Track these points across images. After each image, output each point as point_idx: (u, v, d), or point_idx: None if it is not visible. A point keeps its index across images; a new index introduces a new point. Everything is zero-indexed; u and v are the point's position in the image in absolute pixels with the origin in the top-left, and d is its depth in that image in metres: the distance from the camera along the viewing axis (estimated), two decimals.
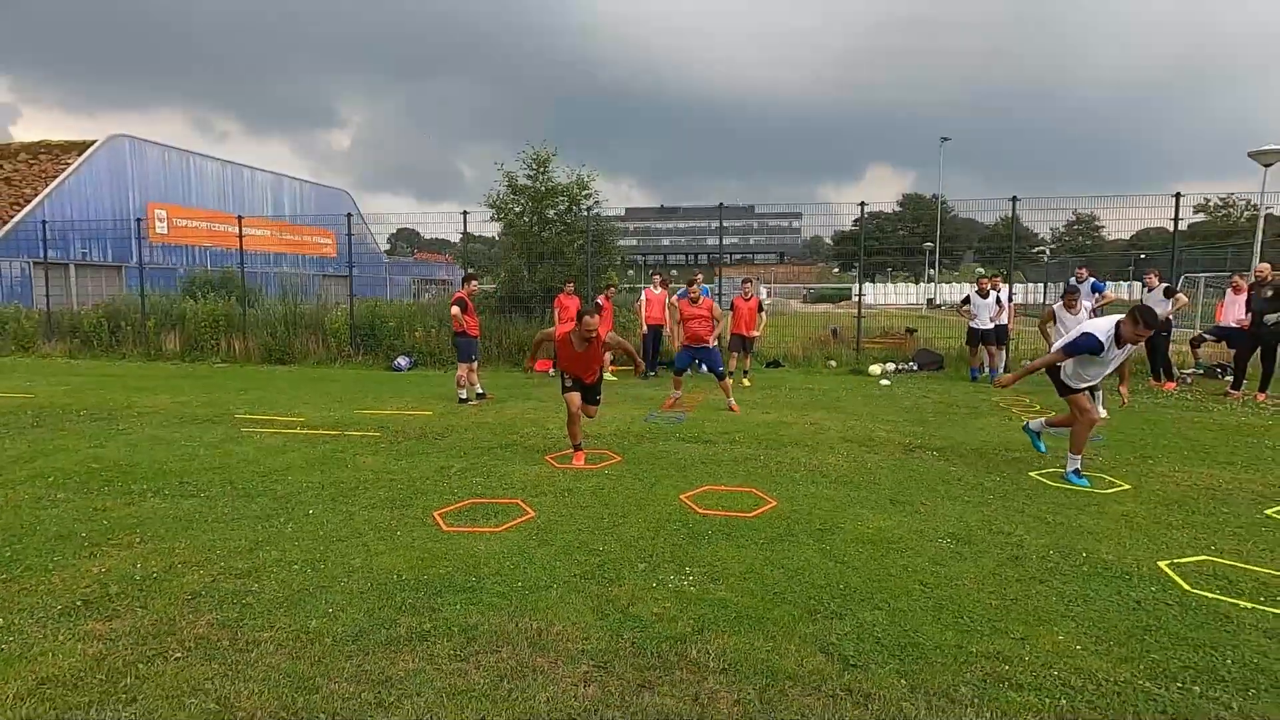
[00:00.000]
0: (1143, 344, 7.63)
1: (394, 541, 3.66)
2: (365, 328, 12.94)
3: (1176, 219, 10.64)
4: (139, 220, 14.36)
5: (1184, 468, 5.25)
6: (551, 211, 14.77)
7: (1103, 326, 4.59)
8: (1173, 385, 9.21)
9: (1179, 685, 2.35)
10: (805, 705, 2.25)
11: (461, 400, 8.17)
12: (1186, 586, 3.13)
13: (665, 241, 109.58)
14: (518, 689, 2.32)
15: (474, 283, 8.37)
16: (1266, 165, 11.38)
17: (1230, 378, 9.04)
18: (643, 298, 10.99)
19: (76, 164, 24.83)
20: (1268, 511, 4.19)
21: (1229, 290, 9.44)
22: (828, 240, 75.27)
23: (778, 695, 2.31)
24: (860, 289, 12.76)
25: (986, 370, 10.12)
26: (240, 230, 14.30)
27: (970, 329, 10.20)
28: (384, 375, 11.33)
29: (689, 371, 8.87)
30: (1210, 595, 3.04)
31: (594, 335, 5.29)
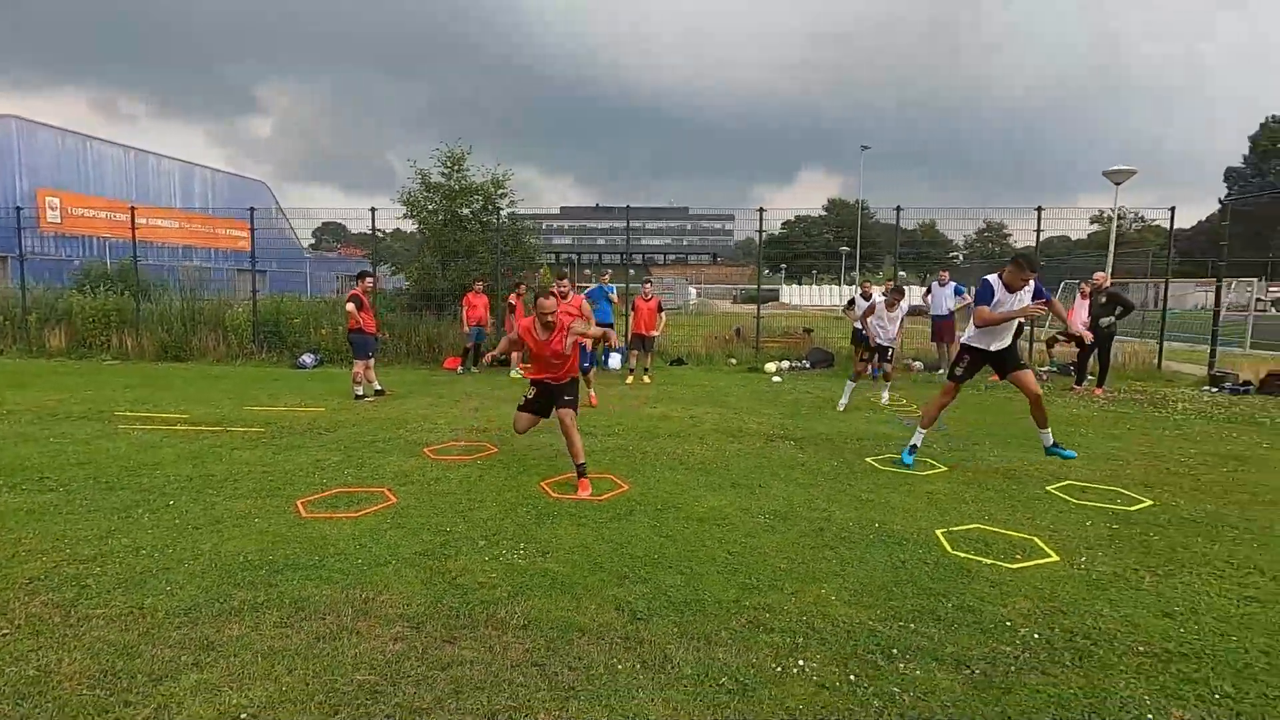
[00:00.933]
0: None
1: (248, 528, 3.84)
2: (269, 324, 12.71)
3: (1039, 230, 11.68)
4: (20, 209, 13.47)
5: (1002, 453, 5.94)
6: (467, 210, 14.87)
7: (992, 275, 5.22)
8: (1100, 390, 9.48)
9: (900, 624, 2.84)
10: (586, 651, 2.61)
11: (358, 397, 8.24)
12: (949, 548, 3.67)
13: (601, 241, 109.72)
14: (330, 648, 2.59)
15: (369, 280, 8.44)
16: (1118, 183, 12.62)
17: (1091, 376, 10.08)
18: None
19: None
20: (1049, 488, 4.84)
21: (1078, 295, 10.49)
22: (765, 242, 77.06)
23: (564, 644, 2.66)
24: (759, 291, 13.39)
25: (871, 369, 10.87)
26: (133, 220, 13.72)
27: (855, 330, 10.94)
28: (287, 373, 11.19)
29: (594, 368, 9.20)
30: (963, 555, 3.58)
31: (552, 317, 4.84)
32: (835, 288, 53.91)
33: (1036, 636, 2.74)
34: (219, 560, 3.38)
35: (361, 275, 8.46)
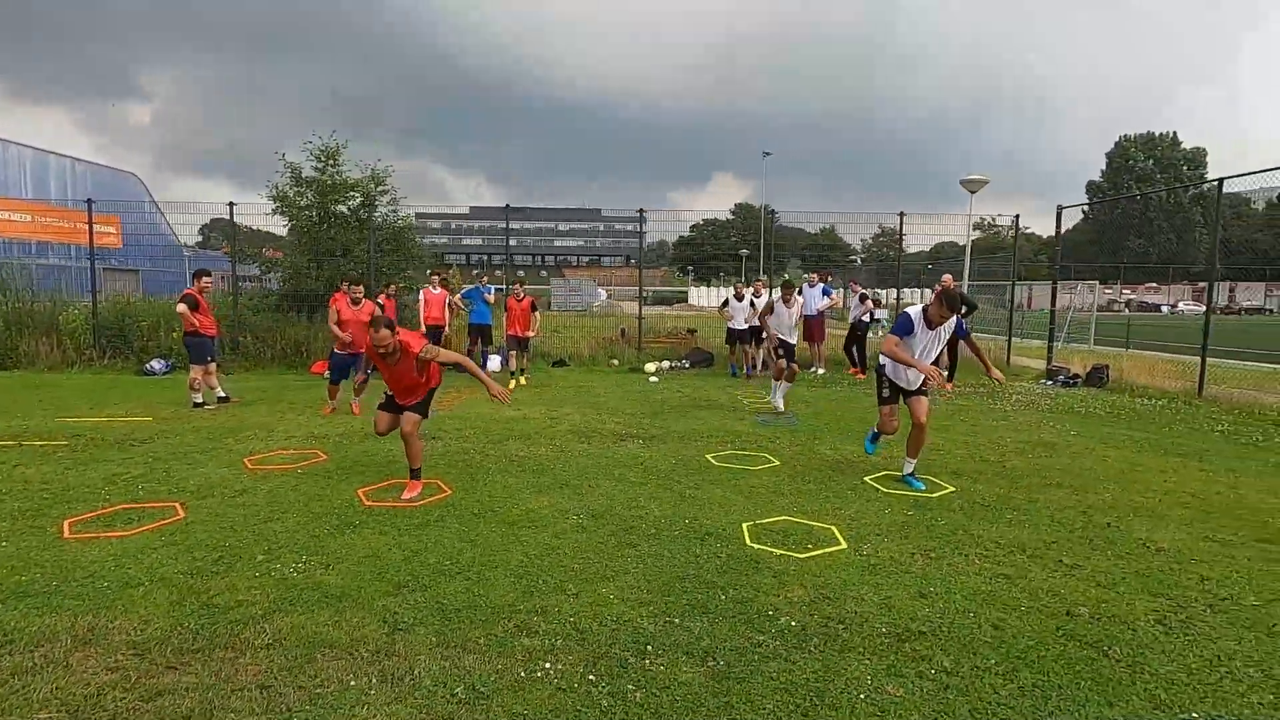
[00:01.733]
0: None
1: None
2: (113, 328, 11.64)
3: (901, 233, 12.34)
4: None
5: (838, 445, 6.18)
6: (345, 207, 14.20)
7: (915, 309, 4.85)
8: (950, 385, 9.89)
9: (668, 619, 2.85)
10: (325, 668, 2.46)
11: (196, 405, 7.65)
12: (748, 541, 3.74)
13: (512, 241, 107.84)
14: (23, 684, 2.32)
15: (206, 279, 7.86)
16: (972, 192, 13.52)
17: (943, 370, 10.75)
18: (421, 297, 10.87)
19: None
20: (866, 478, 5.07)
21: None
22: (673, 244, 78.40)
23: (305, 663, 2.49)
24: (640, 292, 13.48)
25: (744, 368, 11.16)
26: None
27: (729, 329, 11.20)
28: (129, 380, 10.28)
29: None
30: (759, 547, 3.67)
31: (389, 349, 4.35)
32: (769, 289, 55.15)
33: (794, 624, 2.82)
34: None
35: (198, 274, 7.86)
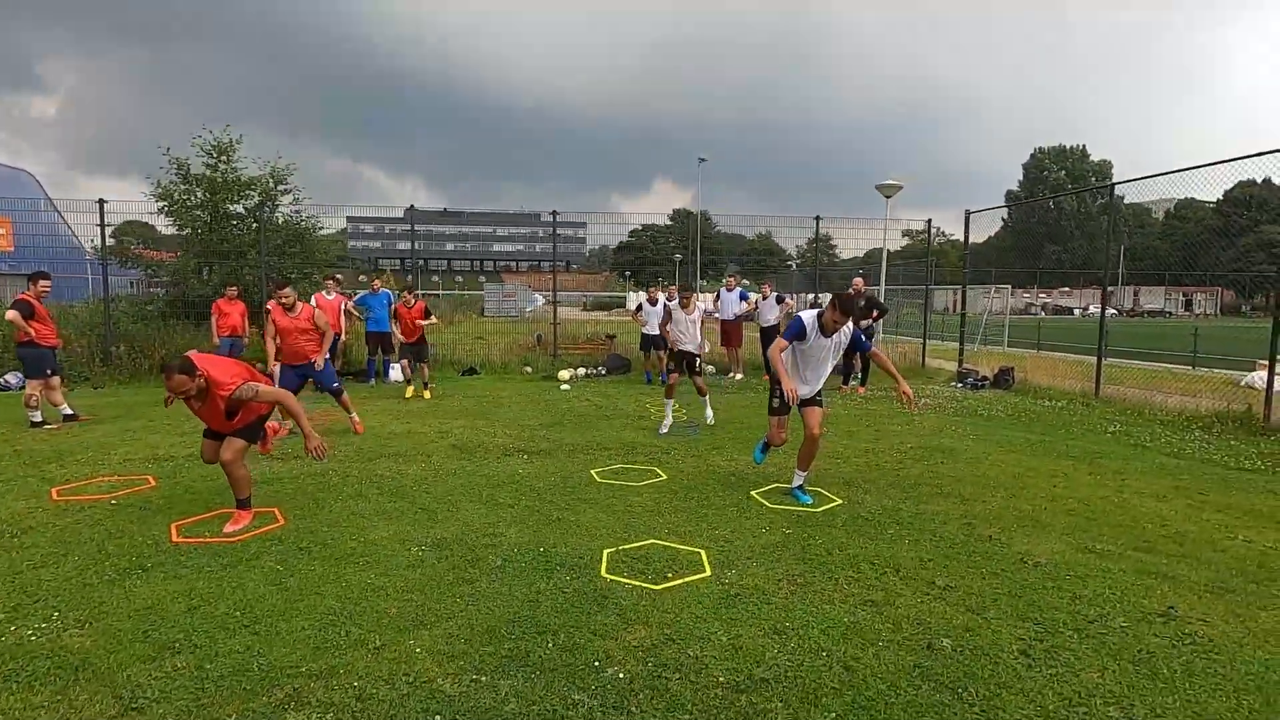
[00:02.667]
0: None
1: None
2: None
3: (816, 238, 12.31)
4: None
5: (736, 457, 5.88)
6: (240, 206, 13.24)
7: (809, 314, 4.61)
8: (863, 389, 10.00)
9: (474, 678, 2.42)
10: None
11: (34, 424, 6.79)
12: (603, 572, 3.36)
13: (450, 246, 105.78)
14: None
15: (44, 282, 7.00)
16: (888, 196, 13.64)
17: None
18: (313, 303, 10.12)
19: None
20: (753, 492, 4.77)
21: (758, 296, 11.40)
22: (612, 249, 78.16)
23: None
24: (555, 296, 13.05)
25: (660, 374, 10.84)
26: None
27: (643, 335, 10.88)
28: None
29: (344, 392, 8.30)
30: (613, 578, 3.28)
31: (188, 393, 3.80)
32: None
33: (622, 676, 2.44)
34: None
35: (35, 277, 6.99)
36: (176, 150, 12.62)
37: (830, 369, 4.75)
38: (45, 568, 3.34)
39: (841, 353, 4.71)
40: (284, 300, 6.64)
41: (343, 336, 10.11)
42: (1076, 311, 52.26)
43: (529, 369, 11.73)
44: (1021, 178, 67.37)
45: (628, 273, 63.79)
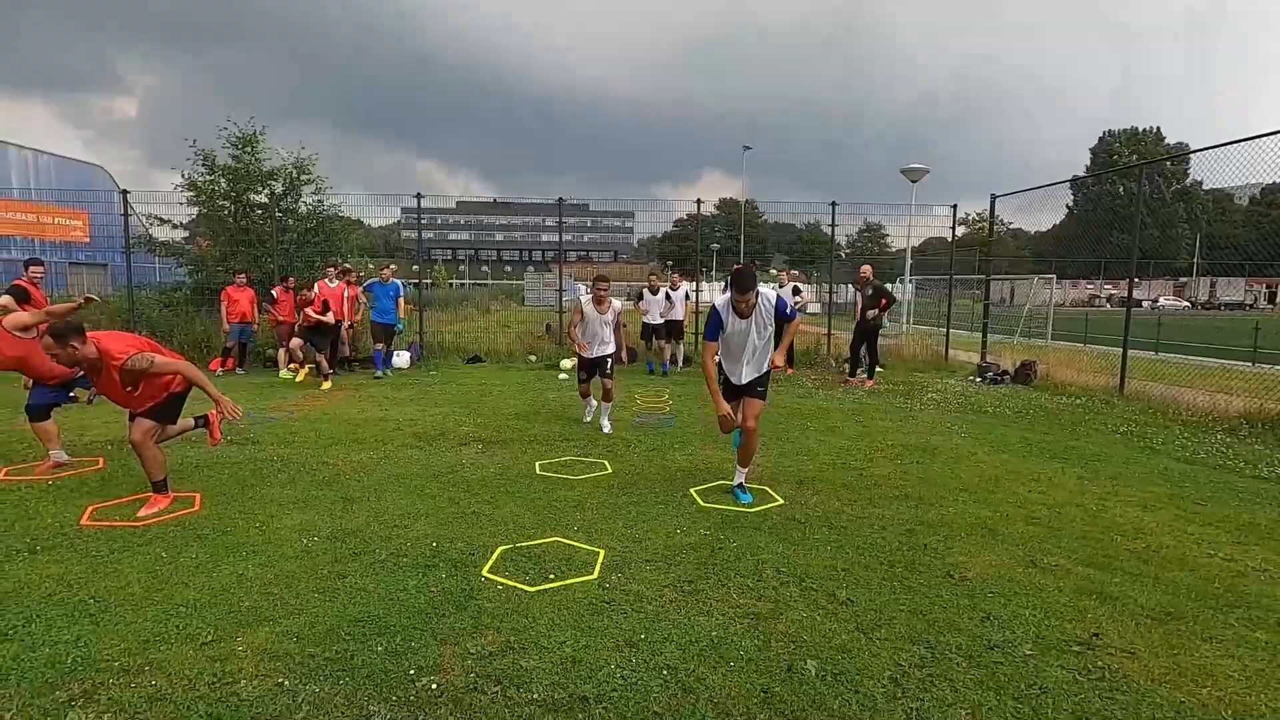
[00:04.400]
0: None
1: None
2: None
3: (834, 225, 11.80)
4: None
5: (698, 451, 5.62)
6: (263, 195, 13.57)
7: (721, 299, 4.41)
8: (871, 382, 9.38)
9: (285, 679, 2.28)
10: None
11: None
12: (485, 570, 3.19)
13: (499, 236, 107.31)
14: None
15: (36, 267, 7.21)
16: (913, 181, 12.98)
17: (879, 368, 10.33)
18: (316, 290, 10.26)
19: None
20: (692, 489, 4.51)
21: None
22: (659, 239, 77.87)
23: None
24: (560, 284, 12.91)
25: (661, 364, 10.60)
26: None
27: (644, 324, 10.63)
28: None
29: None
30: (492, 577, 3.11)
31: (75, 361, 3.83)
32: (720, 284, 54.79)
33: (434, 688, 2.26)
34: None
35: (28, 263, 7.23)
36: (209, 144, 13.01)
37: (771, 346, 4.36)
38: None
39: (771, 327, 4.28)
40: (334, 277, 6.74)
41: (347, 324, 10.21)
42: (1145, 304, 49.19)
43: (533, 358, 11.65)
44: (1089, 163, 63.72)
45: (670, 262, 63.31)
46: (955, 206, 11.71)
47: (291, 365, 10.47)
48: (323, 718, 2.11)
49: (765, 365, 4.36)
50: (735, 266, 4.35)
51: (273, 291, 10.57)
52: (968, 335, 14.35)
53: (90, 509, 3.95)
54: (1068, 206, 62.14)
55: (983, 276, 11.92)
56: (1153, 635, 2.67)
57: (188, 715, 2.11)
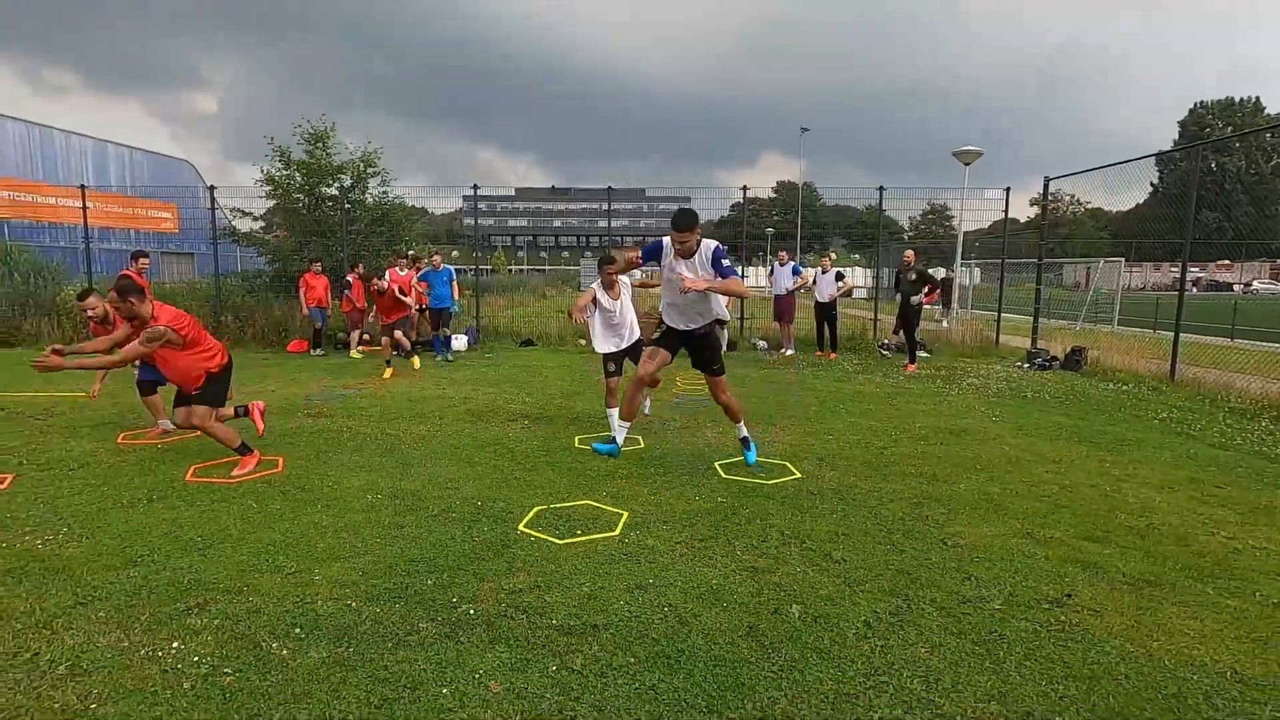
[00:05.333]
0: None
1: None
2: None
3: (880, 210, 11.76)
4: None
5: (726, 429, 5.92)
6: (334, 188, 14.48)
7: (667, 238, 4.48)
8: (913, 367, 9.54)
9: (353, 602, 2.78)
10: None
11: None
12: (521, 526, 3.63)
13: (557, 223, 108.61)
14: None
15: (143, 260, 8.12)
16: (966, 164, 12.76)
17: (925, 353, 10.49)
18: (389, 278, 10.94)
19: None
20: (716, 463, 4.85)
21: (775, 264, 11.11)
22: (714, 223, 77.61)
23: None
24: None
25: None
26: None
27: None
28: None
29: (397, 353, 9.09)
30: (527, 532, 3.55)
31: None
32: (765, 269, 54.24)
33: (471, 613, 2.71)
34: None
35: (136, 255, 8.14)
36: (284, 140, 13.97)
37: (710, 298, 4.50)
38: (79, 495, 4.06)
39: (710, 277, 4.31)
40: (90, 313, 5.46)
41: (417, 307, 10.84)
42: (1237, 288, 46.01)
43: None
44: (1177, 136, 59.70)
45: (725, 246, 62.93)
46: (1009, 189, 11.50)
47: (361, 347, 11.28)
48: (381, 629, 2.58)
49: (702, 318, 4.61)
50: (677, 210, 4.43)
51: (348, 279, 11.36)
52: (1029, 321, 14.05)
53: (192, 468, 4.61)
54: (1152, 184, 58.49)
55: (1036, 260, 11.67)
56: (1124, 599, 2.88)
57: (277, 624, 2.62)
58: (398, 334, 9.50)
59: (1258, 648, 2.50)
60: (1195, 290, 44.27)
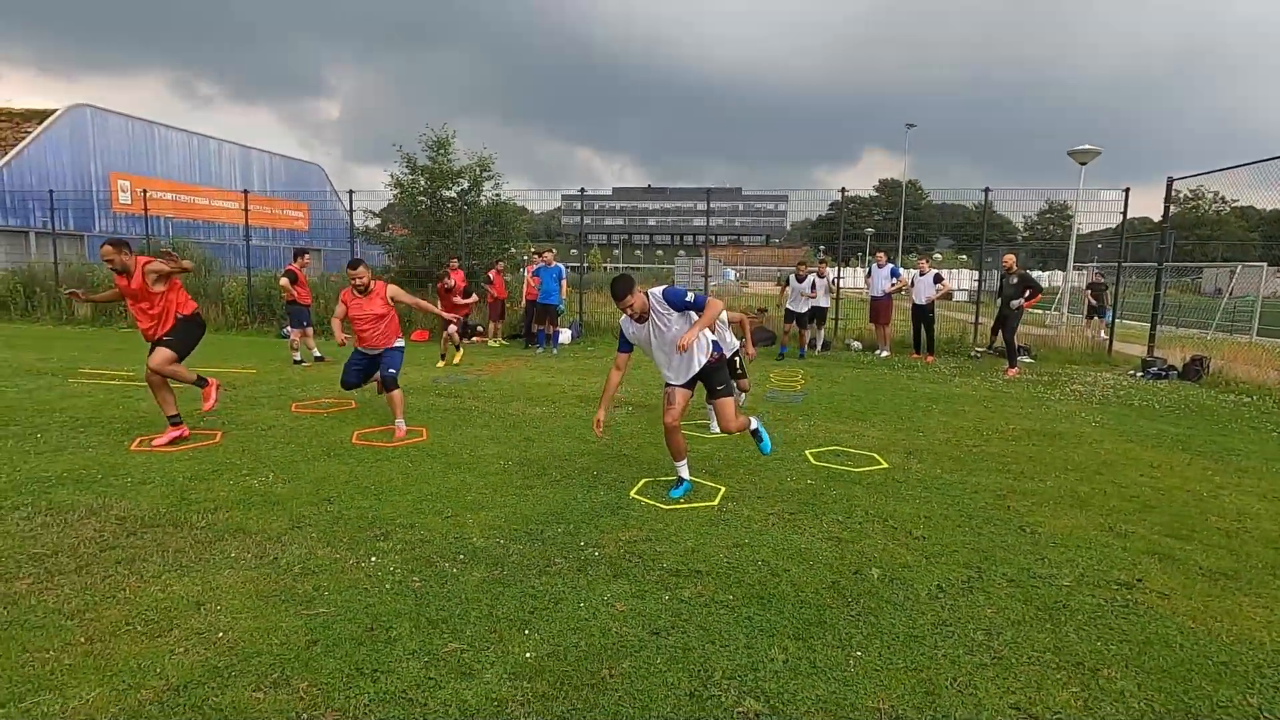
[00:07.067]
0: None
1: (78, 456, 4.71)
2: (261, 298, 13.94)
3: (987, 205, 11.56)
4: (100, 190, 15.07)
5: (818, 423, 6.28)
6: (454, 191, 15.73)
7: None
8: (1014, 371, 9.46)
9: (500, 539, 3.40)
10: (225, 548, 3.30)
11: (296, 361, 9.19)
12: (632, 493, 4.18)
13: (652, 221, 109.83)
14: (36, 534, 3.38)
15: (305, 257, 9.34)
16: (1082, 164, 12.27)
17: (1029, 359, 10.36)
18: (525, 274, 11.83)
19: (36, 133, 25.42)
20: (807, 451, 5.22)
21: (873, 266, 10.97)
22: (812, 223, 76.34)
23: (214, 541, 3.36)
24: (706, 270, 13.70)
25: (799, 348, 11.14)
26: (246, 205, 15.07)
27: (787, 310, 11.21)
28: (267, 342, 12.33)
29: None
30: (637, 497, 4.09)
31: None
32: (864, 270, 52.64)
33: (595, 554, 3.27)
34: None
35: (298, 253, 9.38)
36: (408, 146, 15.35)
37: (692, 352, 4.11)
38: (276, 449, 4.98)
39: (676, 322, 4.03)
40: (358, 281, 5.71)
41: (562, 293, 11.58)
42: None
43: None
44: None
45: (822, 246, 61.74)
46: (1128, 190, 11.01)
47: (496, 338, 12.29)
48: (525, 561, 3.19)
49: (697, 361, 4.17)
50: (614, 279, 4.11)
51: (490, 274, 12.37)
52: (1159, 329, 13.30)
53: (355, 433, 5.48)
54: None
55: (1155, 265, 11.07)
56: (1195, 586, 3.07)
57: (445, 550, 3.28)
58: (452, 328, 10.27)
59: None
60: None
